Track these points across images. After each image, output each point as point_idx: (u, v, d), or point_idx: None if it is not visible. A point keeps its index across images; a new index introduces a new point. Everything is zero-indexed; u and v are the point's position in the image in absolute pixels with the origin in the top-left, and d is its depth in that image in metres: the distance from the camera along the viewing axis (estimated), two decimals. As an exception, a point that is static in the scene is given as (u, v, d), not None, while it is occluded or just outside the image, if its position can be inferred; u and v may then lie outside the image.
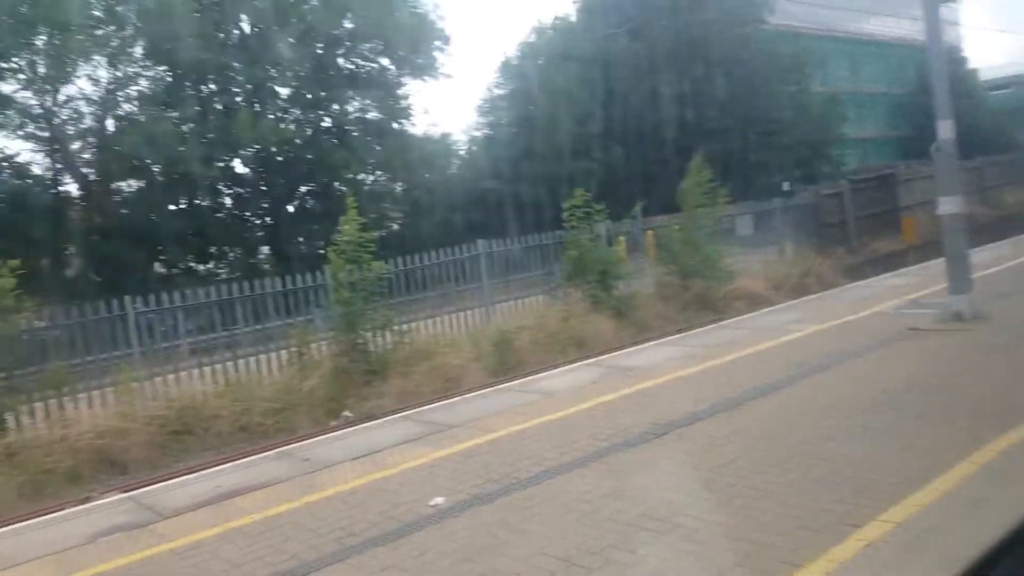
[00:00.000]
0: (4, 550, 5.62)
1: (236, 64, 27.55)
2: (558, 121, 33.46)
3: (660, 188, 28.64)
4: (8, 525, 6.58)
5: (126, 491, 7.38)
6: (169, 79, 26.92)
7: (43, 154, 26.00)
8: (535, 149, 33.58)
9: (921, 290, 12.60)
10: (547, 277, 14.89)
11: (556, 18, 38.37)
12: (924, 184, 24.09)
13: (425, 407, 9.15)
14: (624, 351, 11.33)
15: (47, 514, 6.84)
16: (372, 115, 31.34)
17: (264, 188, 29.35)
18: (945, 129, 9.63)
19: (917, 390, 6.88)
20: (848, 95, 43.09)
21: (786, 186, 29.35)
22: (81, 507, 6.98)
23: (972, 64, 51.36)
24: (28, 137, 25.55)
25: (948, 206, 9.62)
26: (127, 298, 10.64)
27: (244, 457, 8.05)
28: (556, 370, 10.51)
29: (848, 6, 48.13)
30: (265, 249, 30.22)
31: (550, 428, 7.12)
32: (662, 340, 11.89)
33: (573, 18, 38.41)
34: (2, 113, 24.61)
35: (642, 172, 32.22)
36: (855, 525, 4.30)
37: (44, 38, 23.57)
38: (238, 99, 28.24)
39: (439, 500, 5.48)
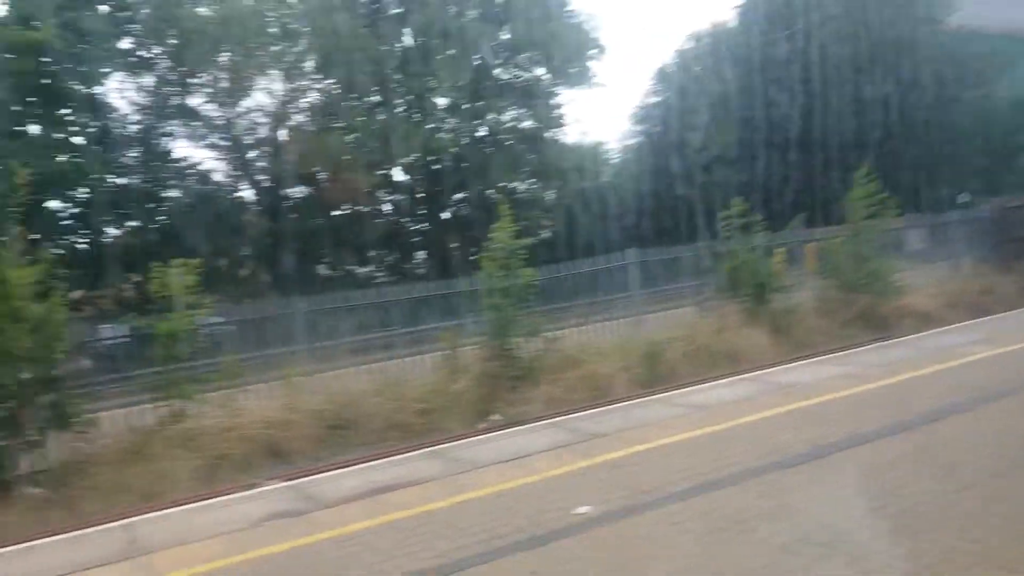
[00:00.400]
0: (180, 528, 6.05)
1: (398, 76, 28.66)
2: (714, 129, 32.72)
3: (822, 199, 27.38)
4: (184, 505, 7.09)
5: (289, 480, 7.78)
6: (336, 91, 28.36)
7: (224, 162, 28.10)
8: (689, 157, 32.96)
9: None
10: (699, 288, 14.52)
11: (714, 24, 37.59)
12: None
13: (572, 415, 9.11)
14: (781, 367, 10.87)
15: (218, 496, 7.32)
16: (526, 124, 31.77)
17: (421, 195, 30.34)
18: None
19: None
20: (1040, 100, 39.57)
21: (964, 198, 27.31)
22: (248, 492, 7.42)
23: None
24: (211, 146, 27.71)
25: None
26: (295, 298, 11.27)
27: (396, 454, 8.30)
28: (708, 384, 10.21)
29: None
30: (421, 254, 31.24)
31: (702, 442, 6.91)
32: (822, 357, 11.31)
33: (732, 24, 37.46)
34: (190, 124, 26.80)
35: (803, 182, 30.91)
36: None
37: (227, 55, 25.43)
38: (399, 110, 29.36)
39: (585, 509, 5.43)
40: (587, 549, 4.78)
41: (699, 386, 10.06)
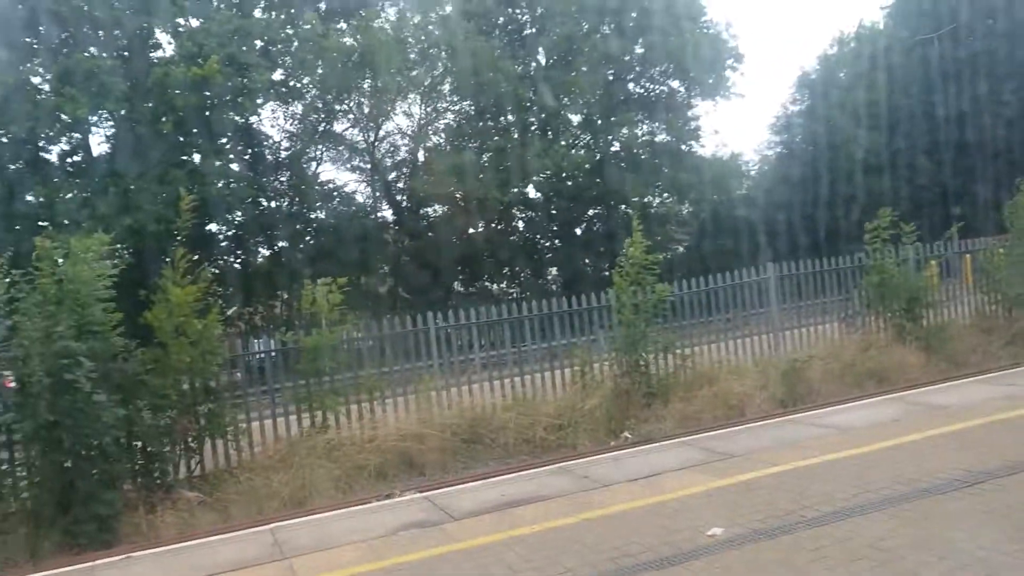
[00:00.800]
0: (321, 534, 6.34)
1: (531, 95, 29.08)
2: (859, 136, 31.28)
3: (981, 207, 25.62)
4: (324, 512, 7.43)
5: (423, 491, 7.99)
6: (472, 111, 29.08)
7: (364, 183, 29.37)
8: (834, 166, 31.66)
9: None
10: (844, 304, 13.88)
11: (861, 26, 35.97)
12: None
13: (705, 433, 8.92)
14: (933, 387, 10.22)
15: (356, 506, 7.62)
16: (661, 137, 31.48)
17: (554, 212, 30.58)
18: None
19: None
20: None
21: None
22: (385, 502, 7.69)
23: None
24: (353, 169, 29.05)
25: None
26: (429, 314, 11.59)
27: (527, 469, 8.38)
28: (851, 404, 9.73)
29: None
30: (553, 270, 31.46)
31: (843, 466, 6.59)
32: (980, 377, 10.55)
33: (880, 25, 35.77)
34: (335, 148, 28.19)
35: (959, 190, 29.04)
36: None
37: (369, 81, 26.61)
38: (532, 128, 29.77)
39: (717, 531, 5.29)
40: (718, 572, 4.66)
41: (841, 406, 9.62)
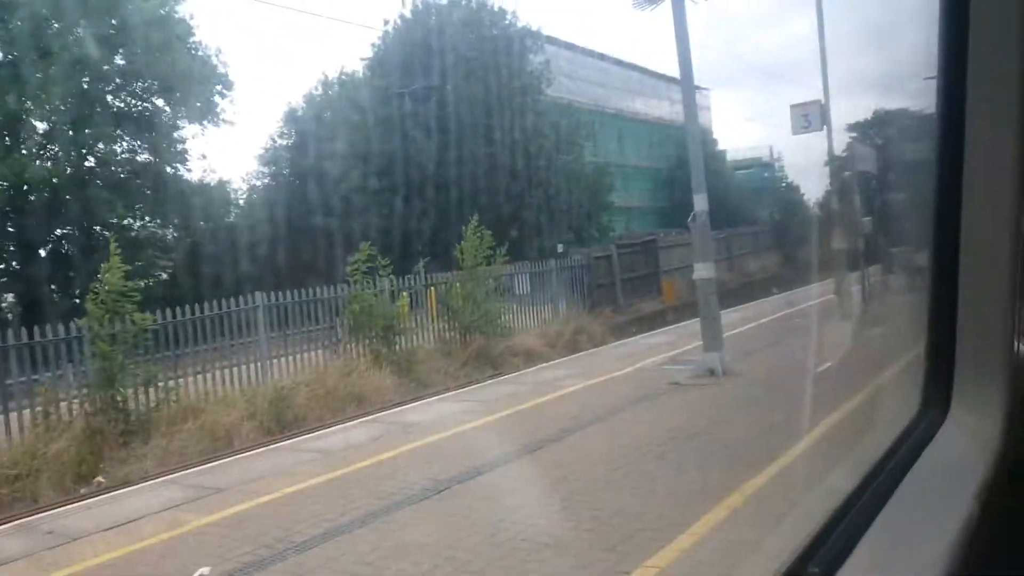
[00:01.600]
0: None
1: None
2: (342, 175, 33.25)
3: (443, 246, 29.17)
4: None
5: None
6: None
7: None
8: (318, 201, 33.06)
9: (679, 348, 13.68)
10: (329, 332, 14.56)
11: (343, 73, 38.42)
12: (681, 251, 26.40)
13: (192, 469, 8.57)
14: (405, 407, 11.31)
15: None
16: (143, 157, 29.46)
17: (11, 229, 26.50)
18: (700, 201, 10.66)
19: (677, 440, 7.42)
20: (616, 167, 46.51)
21: (560, 248, 30.93)
22: None
23: (721, 146, 57.38)
24: None
25: (702, 271, 10.61)
26: None
27: (-28, 533, 7.08)
28: (336, 427, 10.26)
29: (617, 86, 52.25)
30: (9, 296, 27.18)
31: (329, 488, 6.91)
32: (443, 395, 11.99)
33: (361, 74, 38.63)
34: None
35: (426, 230, 32.67)
36: (624, 572, 4.52)
37: None
38: (-17, 130, 25.52)
39: (205, 571, 5.11)
40: (206, 613, 4.50)
41: (327, 430, 10.07)
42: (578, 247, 29.73)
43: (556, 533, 5.27)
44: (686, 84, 11.21)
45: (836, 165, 18.40)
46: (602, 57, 51.10)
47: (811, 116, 16.94)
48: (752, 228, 38.43)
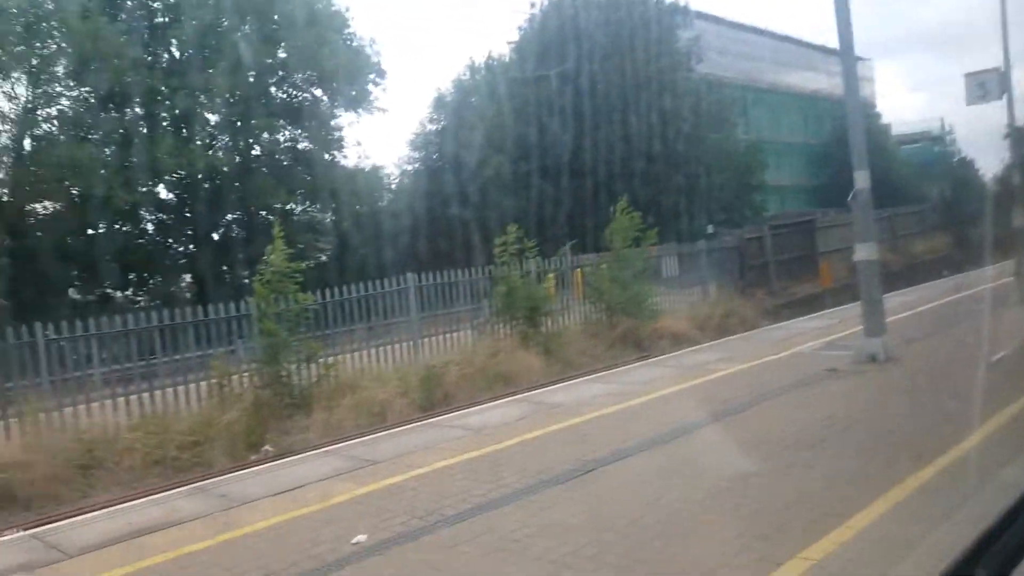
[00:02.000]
0: None
1: (163, 88, 26.97)
2: (489, 158, 33.75)
3: (590, 228, 29.06)
4: None
5: (28, 529, 6.99)
6: (92, 100, 26.15)
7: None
8: (466, 184, 33.74)
9: (837, 332, 13.03)
10: (476, 312, 14.86)
11: (489, 57, 38.88)
12: (840, 231, 25.07)
13: (349, 442, 8.97)
14: (551, 387, 11.37)
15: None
16: (303, 145, 31.05)
17: (188, 215, 28.66)
18: (861, 179, 10.05)
19: (835, 429, 7.07)
20: (769, 144, 44.73)
21: (710, 229, 30.14)
22: (-23, 545, 6.57)
23: (885, 119, 53.96)
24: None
25: (864, 252, 10.01)
26: (37, 324, 10.16)
27: (158, 493, 7.73)
28: (483, 406, 10.45)
29: (770, 59, 50.16)
30: (187, 277, 29.43)
31: (478, 464, 7.05)
32: (589, 377, 11.96)
33: (507, 59, 38.96)
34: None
35: (573, 211, 32.64)
36: (777, 563, 4.36)
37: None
38: (164, 124, 27.62)
39: (361, 538, 5.35)
40: (363, 579, 4.70)
41: (475, 408, 10.28)
42: (729, 228, 28.85)
43: (704, 519, 5.14)
44: (846, 54, 10.56)
45: (1017, 136, 16.90)
46: (755, 30, 49.17)
47: (988, 84, 15.61)
48: (919, 207, 35.92)
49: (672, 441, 7.19)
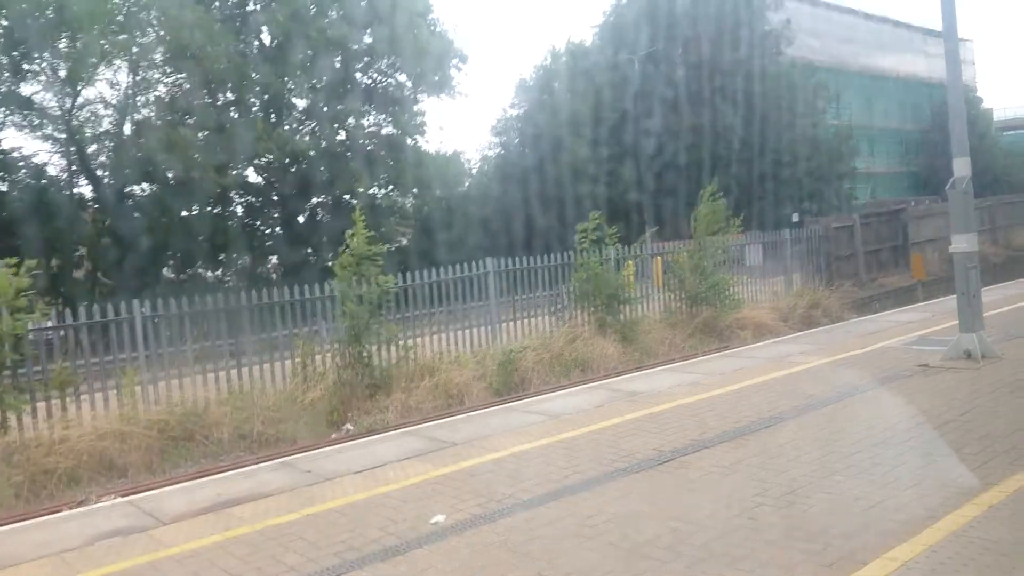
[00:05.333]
0: (2, 550, 5.58)
1: (254, 74, 27.75)
2: (570, 143, 33.61)
3: (671, 214, 28.69)
4: (5, 525, 6.55)
5: (125, 495, 7.35)
6: (187, 86, 27.12)
7: (59, 155, 26.20)
8: (546, 170, 33.72)
9: (930, 327, 12.54)
10: (554, 298, 14.85)
11: (571, 43, 38.63)
12: (934, 221, 24.09)
13: (428, 423, 9.11)
14: (629, 375, 11.29)
15: (43, 516, 6.80)
16: (387, 130, 31.54)
17: (276, 198, 29.49)
18: (961, 166, 9.62)
19: (926, 427, 6.82)
20: (860, 129, 43.22)
21: (795, 217, 29.35)
22: (79, 509, 6.95)
23: (986, 104, 51.48)
24: (46, 138, 25.75)
25: (962, 244, 9.59)
26: (134, 302, 10.64)
27: (244, 466, 8.01)
28: (561, 392, 10.47)
29: (865, 41, 48.33)
30: (273, 258, 30.32)
31: (554, 450, 7.07)
32: (667, 366, 11.84)
33: (588, 43, 38.65)
34: (22, 113, 24.84)
35: (653, 197, 32.27)
36: (862, 562, 4.24)
37: (66, 41, 23.83)
38: (254, 109, 28.44)
39: (440, 518, 5.43)
40: (441, 559, 4.78)
41: (552, 394, 10.30)
42: (816, 216, 28.04)
43: (786, 514, 5.04)
44: (949, 35, 10.08)
45: None
46: (849, 11, 47.44)
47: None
48: (1021, 196, 34.19)
49: (752, 434, 7.06)
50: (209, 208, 27.46)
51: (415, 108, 32.23)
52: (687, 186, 28.59)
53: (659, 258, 17.03)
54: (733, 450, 6.58)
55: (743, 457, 6.36)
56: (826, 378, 9.41)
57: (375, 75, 31.72)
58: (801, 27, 39.08)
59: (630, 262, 15.51)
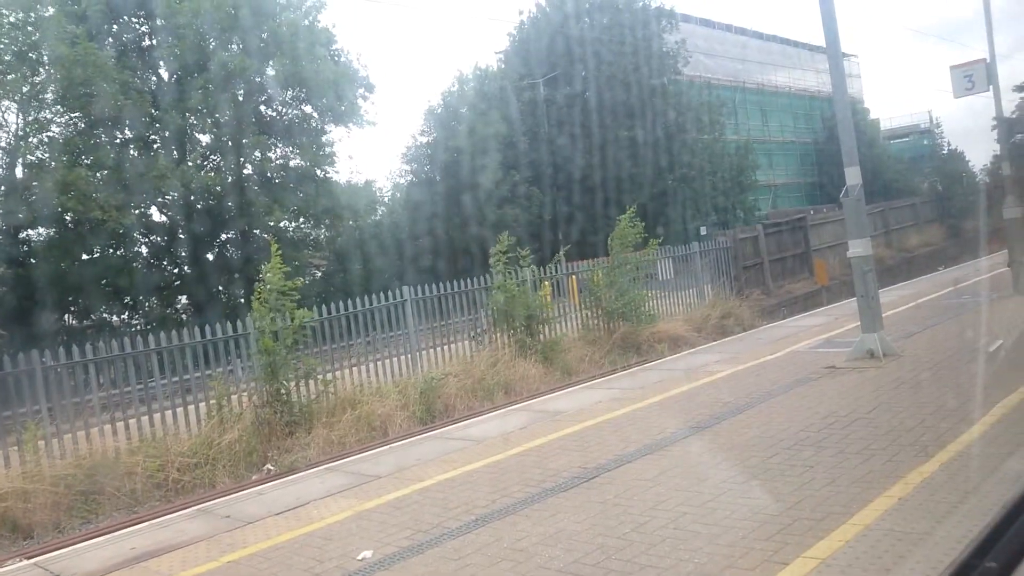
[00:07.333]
0: None
1: (153, 111, 27.01)
2: (481, 168, 33.81)
3: (586, 233, 29.11)
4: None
5: (31, 557, 6.97)
6: (83, 125, 26.17)
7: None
8: (459, 195, 33.81)
9: (834, 329, 13.05)
10: (474, 323, 14.85)
11: (477, 68, 39.01)
12: (832, 228, 25.18)
13: (351, 457, 8.97)
14: (552, 395, 11.38)
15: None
16: (295, 162, 31.07)
17: (183, 236, 28.64)
18: (852, 175, 10.09)
19: (836, 427, 7.07)
20: (759, 143, 44.90)
21: (703, 231, 30.19)
22: (-19, 576, 6.55)
23: (874, 114, 54.17)
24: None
25: (858, 248, 10.04)
26: (33, 352, 10.14)
27: (161, 516, 7.71)
28: (485, 416, 10.46)
29: (757, 59, 50.35)
30: (183, 298, 29.38)
31: (480, 475, 7.05)
32: (589, 383, 11.97)
33: (494, 68, 39.09)
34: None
35: (564, 218, 32.71)
36: (782, 563, 4.36)
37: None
38: (155, 146, 27.65)
39: (367, 554, 5.34)
40: (369, 595, 4.69)
41: (476, 419, 10.28)
42: (722, 229, 28.92)
43: (708, 521, 5.14)
44: (832, 52, 10.61)
45: (1005, 128, 16.96)
46: (741, 31, 49.38)
47: (975, 77, 15.65)
48: (911, 200, 36.07)
49: (673, 445, 7.19)
50: (112, 250, 26.47)
51: (323, 139, 31.90)
52: (599, 205, 29.14)
53: (574, 277, 17.26)
54: (656, 462, 6.69)
55: (666, 468, 6.47)
56: (741, 385, 9.67)
57: (280, 107, 31.29)
58: (697, 47, 40.47)
59: (546, 283, 15.66)
